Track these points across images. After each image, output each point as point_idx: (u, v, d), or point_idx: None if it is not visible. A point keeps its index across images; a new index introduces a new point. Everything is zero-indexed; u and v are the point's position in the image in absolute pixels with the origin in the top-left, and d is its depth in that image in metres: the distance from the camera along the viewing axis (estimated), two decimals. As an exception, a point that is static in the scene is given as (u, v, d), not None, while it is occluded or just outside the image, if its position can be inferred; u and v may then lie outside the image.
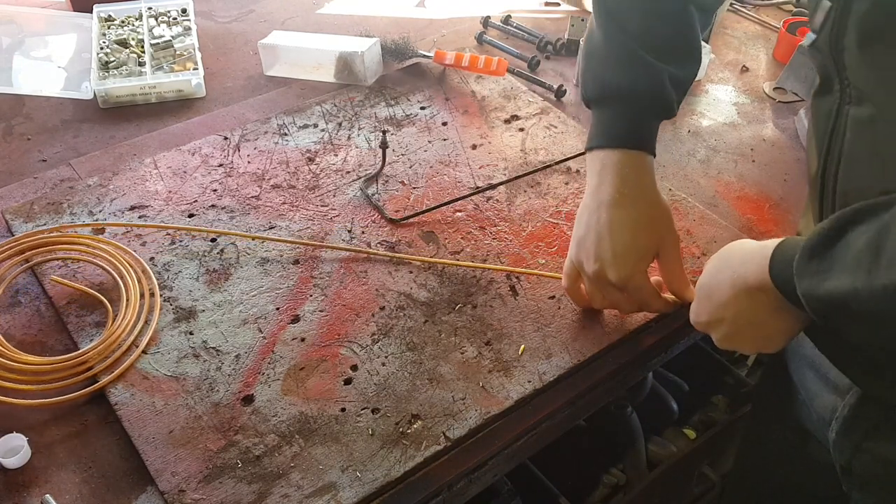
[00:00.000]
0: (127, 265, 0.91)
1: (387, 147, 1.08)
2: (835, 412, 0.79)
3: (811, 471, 0.91)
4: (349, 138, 1.16)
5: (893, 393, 0.71)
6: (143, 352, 0.84)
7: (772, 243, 0.67)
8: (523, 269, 0.94)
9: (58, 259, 0.93)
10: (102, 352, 0.82)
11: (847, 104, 0.66)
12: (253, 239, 0.98)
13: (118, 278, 0.89)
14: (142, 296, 0.88)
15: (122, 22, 1.38)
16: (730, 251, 0.74)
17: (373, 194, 1.05)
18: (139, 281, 0.90)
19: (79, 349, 0.84)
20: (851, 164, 0.68)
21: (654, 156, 0.84)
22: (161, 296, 0.90)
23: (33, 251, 0.93)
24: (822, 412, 0.82)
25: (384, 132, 1.09)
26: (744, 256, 0.71)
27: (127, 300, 0.87)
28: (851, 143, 0.67)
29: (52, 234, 0.94)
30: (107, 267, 0.91)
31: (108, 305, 0.87)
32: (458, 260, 0.96)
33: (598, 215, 0.82)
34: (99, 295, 0.88)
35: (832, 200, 0.71)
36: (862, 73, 0.63)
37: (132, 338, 0.84)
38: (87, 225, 0.97)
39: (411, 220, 1.01)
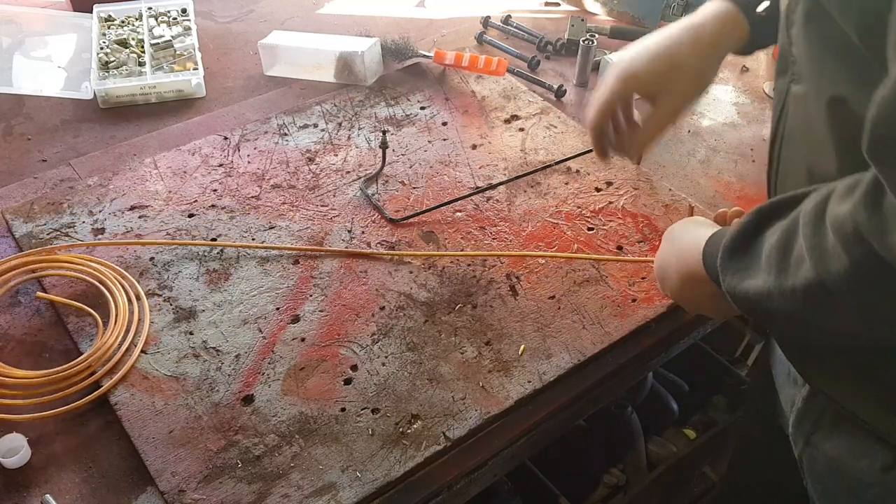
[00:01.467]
0: (111, 276, 0.91)
1: (387, 147, 1.08)
2: (793, 405, 0.79)
3: (792, 471, 0.91)
4: (349, 138, 1.16)
5: (834, 386, 0.70)
6: (143, 351, 0.84)
7: (706, 234, 0.70)
8: (533, 252, 0.95)
9: (44, 276, 0.91)
10: (99, 358, 0.82)
11: (791, 82, 0.67)
12: (252, 248, 0.98)
13: (103, 289, 0.89)
14: (129, 301, 0.88)
15: (122, 22, 1.38)
16: (677, 234, 0.77)
17: (373, 194, 1.05)
18: (124, 289, 0.89)
19: (78, 349, 0.84)
20: (788, 143, 0.69)
21: (750, 23, 0.78)
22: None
23: (17, 271, 0.91)
24: (785, 406, 0.83)
25: (384, 132, 1.09)
26: (686, 245, 0.74)
27: (115, 306, 0.87)
28: (790, 122, 0.68)
29: (38, 255, 0.93)
30: (90, 280, 0.90)
31: (97, 316, 0.86)
32: (458, 260, 0.96)
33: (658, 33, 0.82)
34: (87, 308, 0.87)
35: (775, 181, 0.73)
36: (802, 48, 0.64)
37: (126, 343, 0.84)
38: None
39: (411, 220, 1.01)
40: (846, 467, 0.71)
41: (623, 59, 0.82)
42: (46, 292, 0.90)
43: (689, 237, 0.74)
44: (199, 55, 1.29)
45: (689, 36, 0.79)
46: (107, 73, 1.25)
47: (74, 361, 0.81)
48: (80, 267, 0.91)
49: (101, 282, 0.90)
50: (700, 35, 0.79)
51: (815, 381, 0.73)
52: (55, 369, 0.81)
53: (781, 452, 0.93)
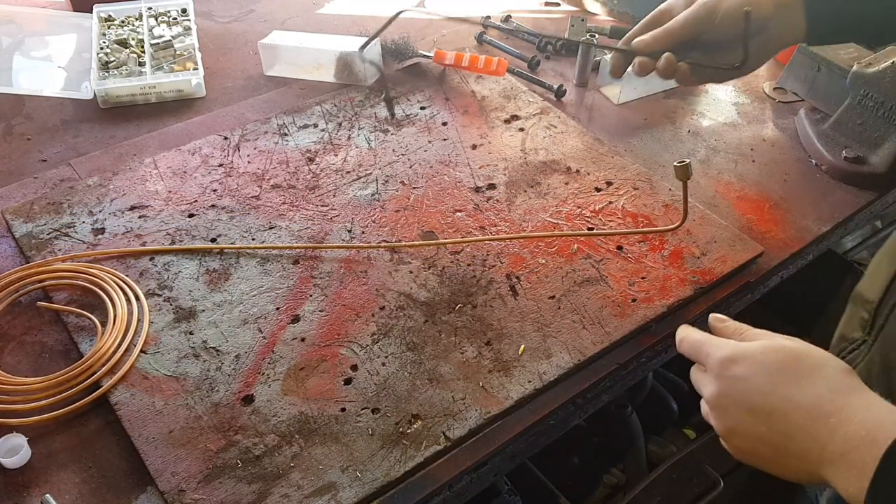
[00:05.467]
0: (110, 281, 0.91)
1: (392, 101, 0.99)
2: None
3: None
4: (349, 138, 1.16)
5: None
6: (143, 351, 0.84)
7: (875, 440, 0.50)
8: (543, 234, 0.96)
9: (43, 287, 0.91)
10: (99, 359, 0.82)
11: None
12: (254, 249, 0.98)
13: (103, 294, 0.89)
14: (129, 301, 0.88)
15: (122, 22, 1.38)
16: (797, 387, 0.56)
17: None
18: (122, 291, 0.90)
19: (78, 349, 0.84)
20: None
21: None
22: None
23: (16, 286, 0.91)
24: None
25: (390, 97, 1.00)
26: (819, 422, 0.54)
27: (114, 311, 0.87)
28: None
29: (36, 267, 0.92)
30: (87, 285, 0.90)
31: (97, 322, 0.86)
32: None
33: None
34: (87, 314, 0.87)
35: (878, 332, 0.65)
36: None
37: (126, 343, 0.84)
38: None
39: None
40: None
41: None
42: (48, 297, 0.90)
43: (831, 437, 0.53)
44: (199, 55, 1.29)
45: None
46: (107, 73, 1.25)
47: (74, 365, 0.81)
48: (79, 274, 0.91)
49: (100, 288, 0.89)
50: None
51: None
52: (55, 374, 0.80)
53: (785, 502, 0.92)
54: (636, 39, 0.80)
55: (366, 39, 0.84)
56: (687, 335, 0.67)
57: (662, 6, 0.82)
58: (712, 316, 0.68)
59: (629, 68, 0.83)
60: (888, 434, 0.50)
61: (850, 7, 0.78)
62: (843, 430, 0.52)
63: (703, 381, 0.64)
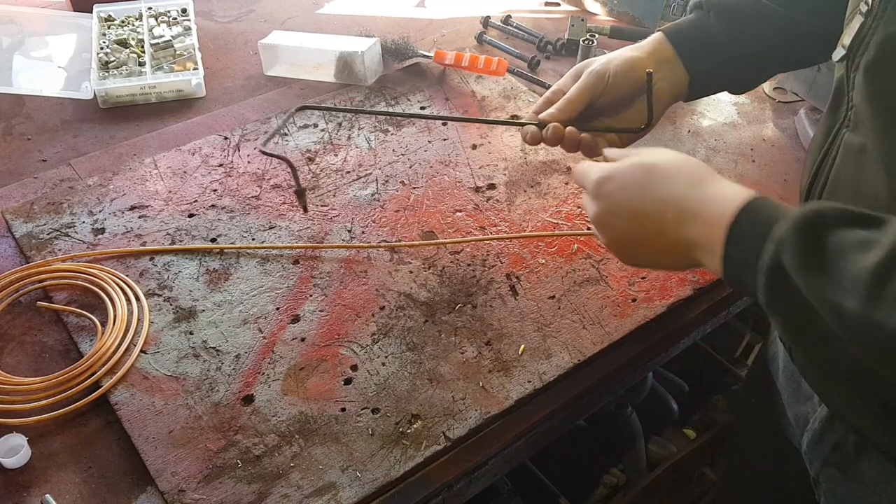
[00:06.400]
0: (110, 281, 0.91)
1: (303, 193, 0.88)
2: (807, 423, 0.78)
3: (790, 477, 0.90)
4: (349, 138, 1.16)
5: (857, 416, 0.68)
6: (143, 351, 0.84)
7: (722, 218, 0.56)
8: (543, 234, 0.95)
9: (43, 287, 0.91)
10: (99, 360, 0.82)
11: (845, 127, 0.63)
12: (254, 249, 0.98)
13: (102, 294, 0.89)
14: (129, 301, 0.88)
15: (122, 22, 1.38)
16: (661, 189, 0.63)
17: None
18: (122, 291, 0.90)
19: (78, 349, 0.84)
20: (833, 192, 0.65)
21: (678, 51, 0.82)
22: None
23: (15, 286, 0.91)
24: (795, 420, 0.82)
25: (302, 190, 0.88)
26: (683, 213, 0.61)
27: (114, 311, 0.87)
28: (838, 170, 0.64)
29: (36, 267, 0.92)
30: (87, 285, 0.90)
31: (97, 322, 0.86)
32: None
33: None
34: (87, 313, 0.87)
35: None
36: (866, 97, 0.59)
37: (126, 343, 0.84)
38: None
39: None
40: (874, 492, 0.70)
41: None
42: (48, 297, 0.90)
43: (693, 205, 0.60)
44: (199, 55, 1.29)
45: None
46: (107, 73, 1.25)
47: (74, 365, 0.81)
48: (79, 275, 0.91)
49: (100, 288, 0.89)
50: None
51: (836, 407, 0.71)
52: (55, 374, 0.81)
53: (776, 457, 0.93)
54: (541, 114, 0.85)
55: (267, 137, 0.83)
56: (575, 166, 0.74)
57: (554, 86, 0.87)
58: (606, 150, 0.74)
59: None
60: (736, 205, 0.56)
61: (722, 59, 0.83)
62: (702, 215, 0.59)
63: (588, 204, 0.70)
